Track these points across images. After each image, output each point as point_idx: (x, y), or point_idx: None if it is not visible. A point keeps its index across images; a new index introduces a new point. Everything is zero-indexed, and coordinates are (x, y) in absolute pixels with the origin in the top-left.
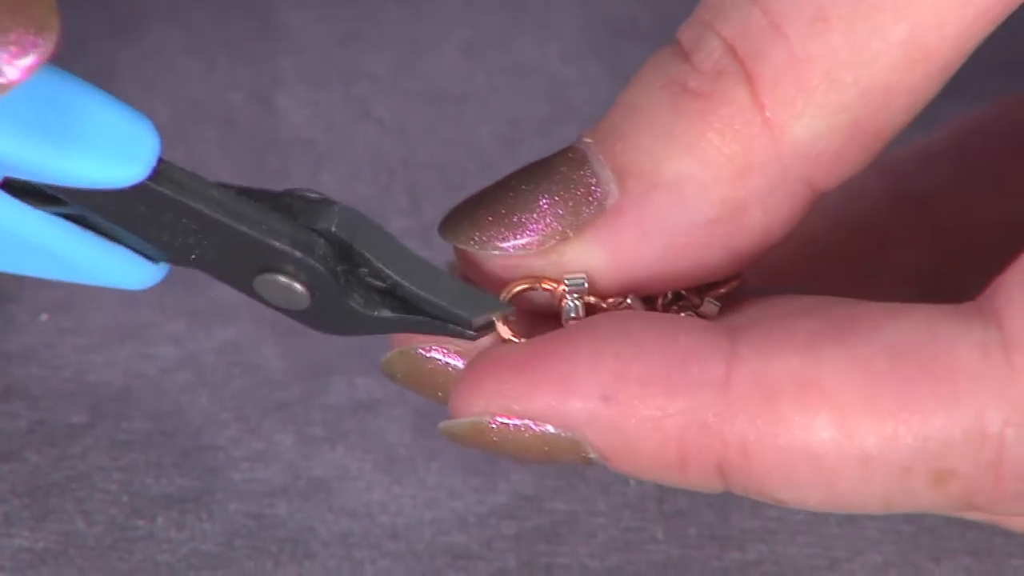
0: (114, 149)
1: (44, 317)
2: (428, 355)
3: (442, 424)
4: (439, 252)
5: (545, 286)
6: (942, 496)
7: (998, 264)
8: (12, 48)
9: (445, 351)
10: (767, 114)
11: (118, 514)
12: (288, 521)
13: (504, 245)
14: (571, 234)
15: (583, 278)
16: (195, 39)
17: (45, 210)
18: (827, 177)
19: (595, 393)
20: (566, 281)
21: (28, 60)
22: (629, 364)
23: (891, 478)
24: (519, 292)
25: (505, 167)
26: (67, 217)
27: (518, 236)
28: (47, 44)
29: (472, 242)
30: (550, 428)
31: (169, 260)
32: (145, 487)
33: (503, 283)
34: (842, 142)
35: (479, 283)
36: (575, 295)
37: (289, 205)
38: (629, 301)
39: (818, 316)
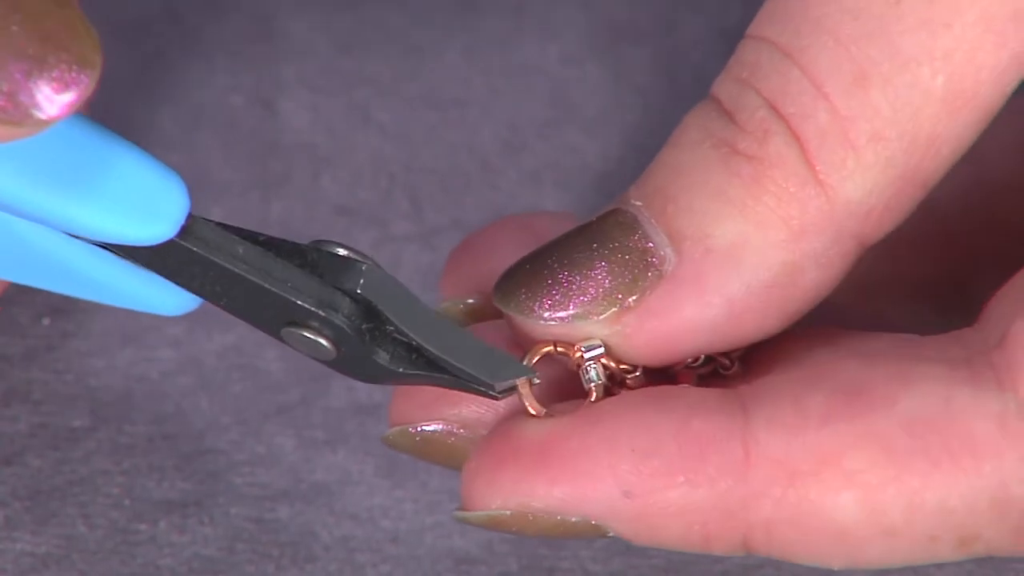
0: (142, 206)
1: (46, 321)
2: (428, 430)
3: (456, 514)
4: (441, 255)
5: (561, 349)
6: (965, 554)
7: (1009, 272)
8: (54, 83)
9: (443, 423)
10: (819, 175)
11: (120, 518)
12: (289, 525)
13: (561, 315)
14: (631, 302)
15: (599, 343)
16: (196, 43)
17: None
18: (876, 231)
19: (615, 490)
20: (583, 347)
21: (69, 96)
22: (647, 458)
23: (916, 545)
24: (544, 355)
25: (507, 171)
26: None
27: (574, 306)
28: (89, 81)
29: (530, 312)
30: (572, 519)
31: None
32: (146, 491)
33: (532, 343)
34: (891, 196)
35: (519, 342)
36: (593, 361)
37: (316, 261)
38: (638, 374)
39: (828, 386)
